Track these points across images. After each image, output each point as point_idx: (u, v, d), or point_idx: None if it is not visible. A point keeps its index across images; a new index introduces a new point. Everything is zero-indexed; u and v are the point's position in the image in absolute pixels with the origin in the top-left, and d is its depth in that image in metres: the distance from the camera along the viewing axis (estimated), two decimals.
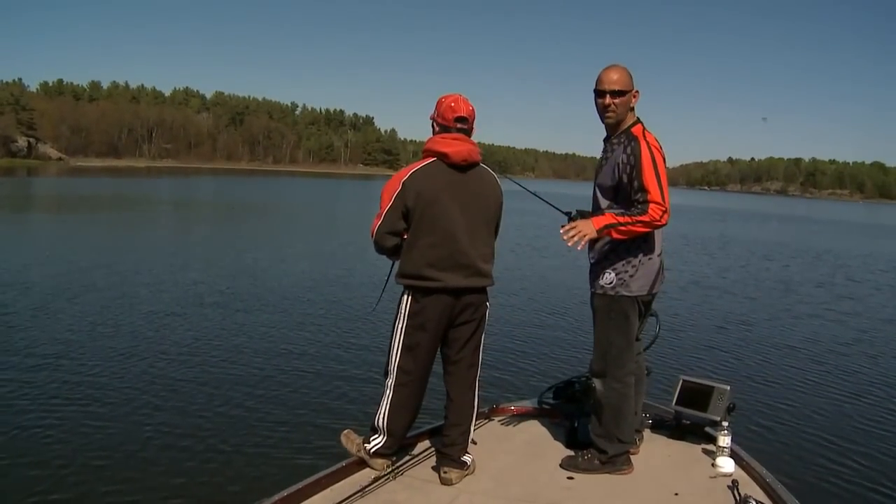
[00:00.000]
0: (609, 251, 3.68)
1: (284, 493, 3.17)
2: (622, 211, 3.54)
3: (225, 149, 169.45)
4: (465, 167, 3.58)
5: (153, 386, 7.50)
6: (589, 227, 3.52)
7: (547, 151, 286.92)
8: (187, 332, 9.82)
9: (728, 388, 4.00)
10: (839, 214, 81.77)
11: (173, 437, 6.22)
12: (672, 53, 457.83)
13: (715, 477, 3.60)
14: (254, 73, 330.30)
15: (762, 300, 15.46)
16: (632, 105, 3.70)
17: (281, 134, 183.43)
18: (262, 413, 6.89)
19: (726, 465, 3.65)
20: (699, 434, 4.10)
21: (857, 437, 7.03)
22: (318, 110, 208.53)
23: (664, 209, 3.49)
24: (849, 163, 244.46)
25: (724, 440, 3.71)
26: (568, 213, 3.78)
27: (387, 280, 3.81)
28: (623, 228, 3.51)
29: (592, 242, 3.72)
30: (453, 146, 3.55)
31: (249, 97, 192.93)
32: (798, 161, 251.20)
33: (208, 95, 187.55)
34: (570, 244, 3.54)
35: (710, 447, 3.85)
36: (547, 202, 4.17)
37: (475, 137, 3.69)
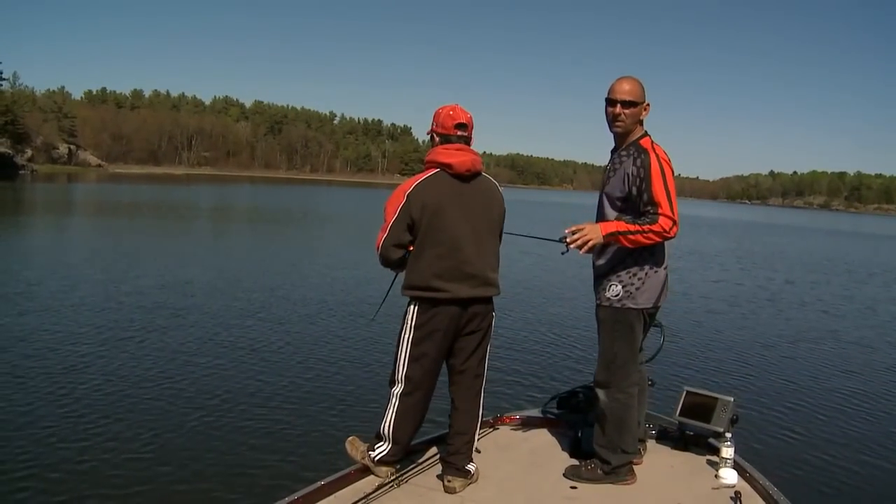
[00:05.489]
0: (616, 263, 3.70)
1: (287, 499, 3.20)
2: (632, 219, 3.56)
3: (263, 157, 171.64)
4: (468, 177, 3.60)
5: (160, 392, 7.49)
6: (596, 233, 3.53)
7: (586, 163, 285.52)
8: (193, 340, 9.81)
9: (731, 399, 3.98)
10: (881, 229, 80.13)
11: (178, 444, 6.22)
12: (714, 68, 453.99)
13: (718, 488, 3.59)
14: (293, 83, 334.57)
15: (769, 313, 15.23)
16: (641, 118, 3.73)
17: (319, 143, 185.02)
18: (268, 420, 6.90)
19: (729, 476, 3.64)
20: (702, 445, 4.09)
21: (861, 451, 6.98)
22: (356, 120, 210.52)
23: (674, 221, 3.52)
24: None
25: (728, 451, 3.70)
26: (562, 240, 3.71)
27: (388, 291, 3.84)
28: (632, 237, 3.52)
29: (599, 251, 3.74)
30: (456, 157, 3.56)
31: (288, 106, 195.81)
32: (842, 175, 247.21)
33: (247, 104, 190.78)
34: (573, 247, 3.53)
35: (714, 458, 3.84)
36: (536, 237, 4.18)
37: (475, 146, 3.71)
